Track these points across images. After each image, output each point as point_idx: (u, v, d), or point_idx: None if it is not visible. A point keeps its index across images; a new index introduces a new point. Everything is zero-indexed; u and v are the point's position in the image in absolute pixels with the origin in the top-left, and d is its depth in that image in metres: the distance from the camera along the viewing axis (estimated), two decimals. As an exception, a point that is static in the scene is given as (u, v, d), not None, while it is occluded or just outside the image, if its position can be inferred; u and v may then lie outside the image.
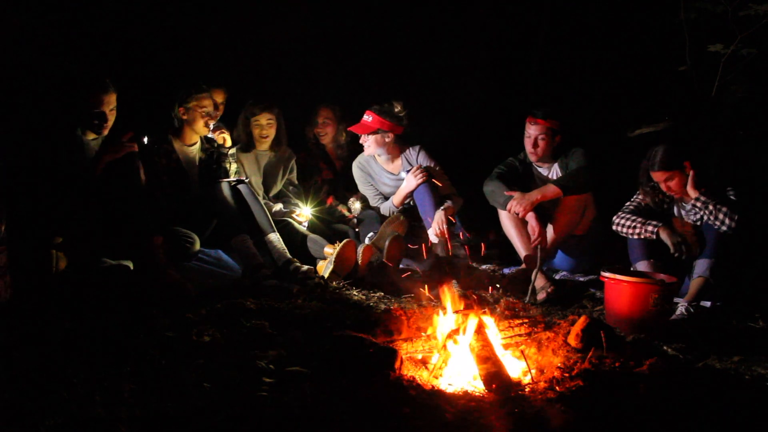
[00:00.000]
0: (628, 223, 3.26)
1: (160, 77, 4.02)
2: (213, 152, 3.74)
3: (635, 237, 3.23)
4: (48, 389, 1.63)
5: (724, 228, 3.02)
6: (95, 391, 1.61)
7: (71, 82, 3.03)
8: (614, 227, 3.33)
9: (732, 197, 3.11)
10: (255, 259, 3.27)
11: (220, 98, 3.98)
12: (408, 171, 3.93)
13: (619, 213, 3.35)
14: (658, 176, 3.18)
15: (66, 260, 2.76)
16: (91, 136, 3.10)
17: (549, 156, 3.69)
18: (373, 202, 4.22)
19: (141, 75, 3.88)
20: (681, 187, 3.16)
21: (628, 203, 3.39)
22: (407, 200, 4.04)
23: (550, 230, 3.61)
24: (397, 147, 4.07)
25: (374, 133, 3.95)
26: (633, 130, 4.46)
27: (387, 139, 3.98)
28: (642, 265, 3.19)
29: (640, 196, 3.38)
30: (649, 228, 3.18)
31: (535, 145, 3.62)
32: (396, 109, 3.97)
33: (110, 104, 3.04)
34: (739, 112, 4.26)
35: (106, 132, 3.08)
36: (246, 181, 3.54)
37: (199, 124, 3.56)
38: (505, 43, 5.32)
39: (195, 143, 3.67)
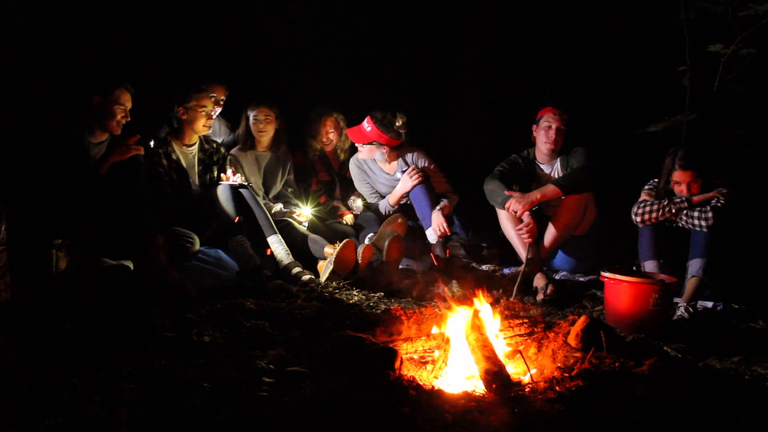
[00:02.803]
0: (654, 207, 3.21)
1: (161, 79, 4.02)
2: (212, 153, 3.74)
3: (661, 217, 3.18)
4: (48, 389, 1.63)
5: (703, 227, 3.05)
6: (95, 391, 1.61)
7: (88, 83, 3.07)
8: (637, 218, 3.27)
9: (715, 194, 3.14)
10: (251, 260, 3.27)
11: (221, 95, 3.99)
12: (404, 172, 3.93)
13: (638, 203, 3.31)
14: (684, 176, 3.18)
15: (66, 260, 2.76)
16: (100, 138, 3.11)
17: (556, 151, 3.70)
18: (369, 201, 4.23)
19: (143, 77, 3.88)
20: (699, 191, 3.17)
21: (643, 199, 3.34)
22: (404, 199, 4.05)
23: (550, 230, 3.62)
24: (394, 150, 4.07)
25: (370, 143, 3.95)
26: (634, 131, 4.46)
27: (382, 150, 3.98)
28: (650, 264, 3.19)
29: (647, 193, 3.37)
30: (677, 200, 3.17)
31: (557, 134, 3.63)
32: (397, 123, 3.94)
33: (129, 104, 3.11)
34: (739, 111, 4.26)
35: (119, 131, 3.12)
36: (247, 185, 3.54)
37: (199, 124, 3.57)
38: (506, 43, 5.32)
39: (194, 143, 3.67)
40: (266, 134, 4.05)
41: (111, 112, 3.05)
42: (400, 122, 3.95)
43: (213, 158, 3.75)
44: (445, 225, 3.71)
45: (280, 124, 4.10)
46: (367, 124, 3.92)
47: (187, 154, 3.66)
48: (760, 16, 3.89)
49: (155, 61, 4.18)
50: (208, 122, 3.59)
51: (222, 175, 3.63)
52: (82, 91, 3.04)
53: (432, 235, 3.78)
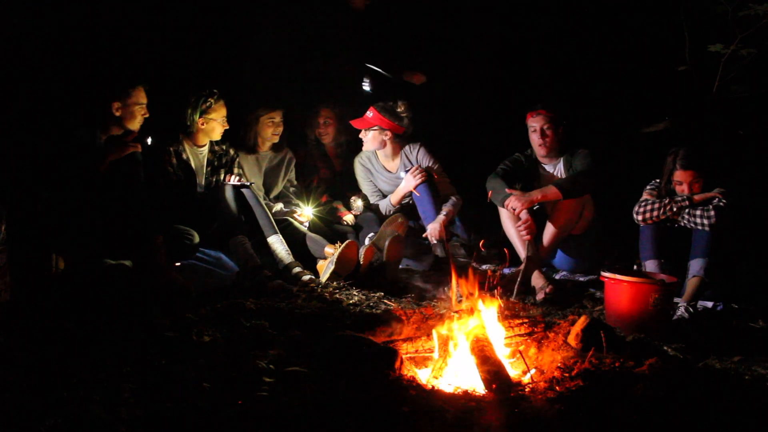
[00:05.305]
0: (655, 206, 3.21)
1: (166, 78, 4.01)
2: (221, 155, 3.75)
3: (663, 215, 3.19)
4: (48, 389, 1.63)
5: (705, 225, 3.05)
6: (95, 391, 1.61)
7: (105, 82, 3.10)
8: (638, 217, 3.27)
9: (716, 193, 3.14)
10: (252, 260, 3.27)
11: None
12: (407, 171, 3.94)
13: (640, 202, 3.31)
14: (686, 176, 3.18)
15: (65, 260, 2.76)
16: (116, 132, 3.14)
17: (556, 149, 3.69)
18: (372, 200, 4.23)
19: (147, 76, 3.88)
20: (700, 190, 3.17)
21: (644, 198, 3.34)
22: (405, 199, 4.05)
23: (549, 229, 3.62)
24: (397, 145, 4.08)
25: (372, 129, 3.97)
26: (634, 131, 4.46)
27: (385, 137, 4.00)
28: (651, 264, 3.19)
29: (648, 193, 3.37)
30: (678, 199, 3.17)
31: (543, 135, 3.62)
32: (399, 109, 3.99)
33: (143, 100, 3.17)
34: (739, 111, 4.26)
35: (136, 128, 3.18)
36: (250, 185, 3.55)
37: (217, 132, 3.61)
38: (506, 43, 5.32)
39: (205, 145, 3.69)
40: (278, 136, 4.04)
41: (132, 113, 3.12)
42: (402, 108, 3.99)
43: (222, 161, 3.76)
44: (440, 232, 3.73)
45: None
46: (369, 112, 3.98)
47: (198, 154, 3.67)
48: (760, 16, 3.89)
49: (158, 62, 4.17)
50: (224, 128, 3.61)
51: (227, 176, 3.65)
52: (100, 95, 3.09)
53: (430, 236, 3.78)
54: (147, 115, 3.19)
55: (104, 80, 3.14)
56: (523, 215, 3.43)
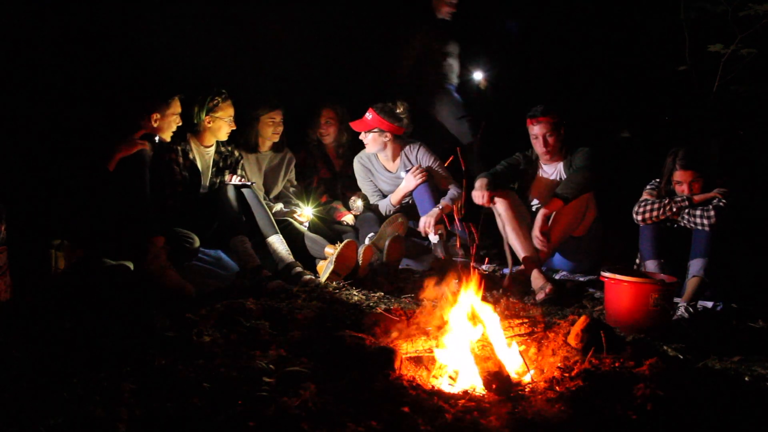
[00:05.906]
0: (655, 206, 3.22)
1: (167, 77, 4.00)
2: (227, 156, 3.76)
3: (662, 216, 3.20)
4: (48, 389, 1.63)
5: (705, 225, 3.05)
6: (95, 391, 1.62)
7: (147, 94, 3.19)
8: (638, 217, 3.27)
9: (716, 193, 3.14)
10: (252, 260, 3.27)
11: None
12: (408, 171, 3.94)
13: (639, 202, 3.31)
14: (686, 176, 3.18)
15: (66, 260, 2.76)
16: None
17: (559, 149, 3.70)
18: (372, 200, 4.23)
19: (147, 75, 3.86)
20: (700, 190, 3.17)
21: (644, 198, 3.34)
22: (406, 199, 4.05)
23: (551, 231, 3.62)
24: (397, 145, 4.08)
25: (372, 131, 3.97)
26: (623, 134, 4.46)
27: (385, 139, 4.00)
28: (651, 264, 3.19)
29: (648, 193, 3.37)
30: (678, 199, 3.18)
31: (545, 143, 3.63)
32: (398, 110, 3.98)
33: (179, 108, 3.30)
34: (739, 111, 4.26)
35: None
36: (251, 185, 3.55)
37: (224, 131, 3.61)
38: (505, 42, 5.32)
39: (212, 145, 3.69)
40: (278, 135, 4.04)
41: (168, 123, 3.25)
42: (401, 109, 4.00)
43: (227, 162, 3.76)
44: (432, 225, 3.72)
45: None
46: (368, 114, 3.98)
47: (204, 154, 3.67)
48: (760, 16, 3.89)
49: (159, 61, 4.15)
50: (231, 128, 3.62)
51: (227, 176, 3.66)
52: (143, 108, 3.18)
53: (433, 235, 3.78)
54: (180, 123, 3.26)
55: (146, 93, 3.19)
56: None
